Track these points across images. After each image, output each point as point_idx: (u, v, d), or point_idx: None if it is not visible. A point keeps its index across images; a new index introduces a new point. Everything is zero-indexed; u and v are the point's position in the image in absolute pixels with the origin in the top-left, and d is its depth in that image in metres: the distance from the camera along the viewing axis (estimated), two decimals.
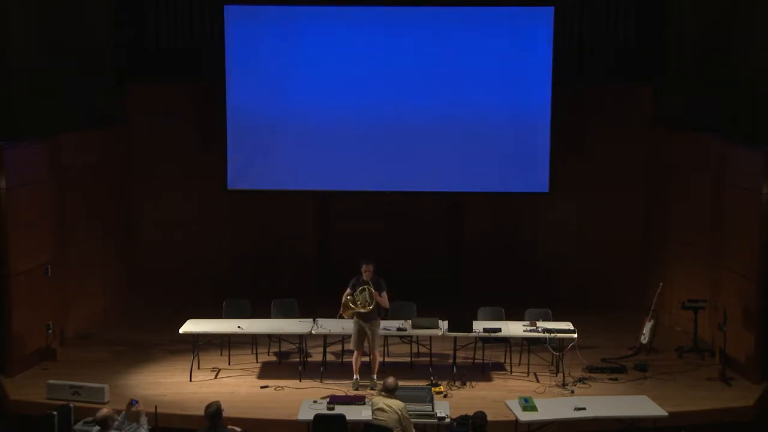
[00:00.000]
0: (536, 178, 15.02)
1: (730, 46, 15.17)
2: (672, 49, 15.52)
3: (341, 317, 12.31)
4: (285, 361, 13.29)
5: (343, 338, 12.69)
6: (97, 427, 9.50)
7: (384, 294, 12.03)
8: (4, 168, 12.47)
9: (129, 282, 15.77)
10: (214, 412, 9.24)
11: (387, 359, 13.08)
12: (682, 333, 14.30)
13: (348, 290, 12.08)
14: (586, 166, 15.78)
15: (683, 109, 15.23)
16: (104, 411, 9.39)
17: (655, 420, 10.62)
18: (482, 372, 12.80)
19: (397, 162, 15.05)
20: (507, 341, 12.97)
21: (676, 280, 14.60)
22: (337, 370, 12.77)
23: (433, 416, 10.32)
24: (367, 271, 12.01)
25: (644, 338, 13.63)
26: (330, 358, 13.06)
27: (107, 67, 15.70)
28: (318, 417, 10.20)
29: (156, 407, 10.71)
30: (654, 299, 13.90)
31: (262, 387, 12.32)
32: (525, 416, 10.38)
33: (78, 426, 10.56)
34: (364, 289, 11.98)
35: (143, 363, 13.20)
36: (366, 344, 12.14)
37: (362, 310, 11.96)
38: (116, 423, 9.43)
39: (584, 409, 10.49)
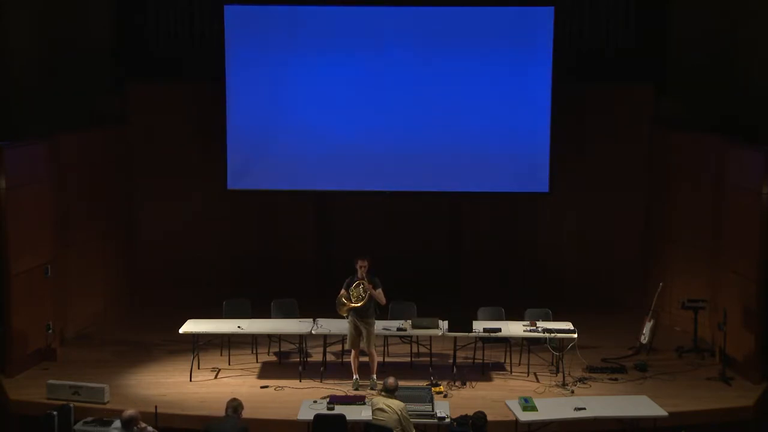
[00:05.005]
0: (536, 178, 15.01)
1: (730, 45, 15.16)
2: (672, 49, 15.52)
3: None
4: (285, 361, 13.29)
5: (343, 338, 12.68)
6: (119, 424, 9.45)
7: (379, 290, 12.02)
8: (4, 168, 12.46)
9: (129, 282, 15.76)
10: (237, 405, 9.60)
11: (387, 359, 13.09)
12: (682, 333, 14.30)
13: (343, 291, 12.08)
14: (586, 166, 15.79)
15: (683, 109, 15.22)
16: (130, 411, 9.32)
17: (655, 420, 10.63)
18: (482, 372, 12.80)
19: (397, 162, 15.05)
20: (507, 341, 12.97)
21: (676, 280, 14.60)
22: (337, 370, 12.77)
23: (433, 416, 10.33)
24: (362, 266, 11.99)
25: (644, 338, 13.63)
26: (330, 358, 13.06)
27: (107, 67, 15.70)
28: (318, 417, 10.21)
29: (156, 407, 10.71)
30: (654, 299, 13.90)
31: (262, 387, 12.33)
32: (525, 416, 10.38)
33: (78, 426, 10.57)
34: (359, 284, 11.98)
35: (143, 363, 13.20)
36: (362, 343, 12.13)
37: (356, 305, 11.94)
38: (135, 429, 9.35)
39: (584, 409, 10.50)
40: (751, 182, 12.62)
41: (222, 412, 9.73)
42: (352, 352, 12.23)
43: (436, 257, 16.29)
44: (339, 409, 10.44)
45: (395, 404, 9.87)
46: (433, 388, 11.37)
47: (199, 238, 16.07)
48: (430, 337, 12.75)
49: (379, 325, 12.46)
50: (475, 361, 13.05)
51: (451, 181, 15.18)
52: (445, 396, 11.85)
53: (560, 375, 12.52)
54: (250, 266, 16.09)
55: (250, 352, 13.43)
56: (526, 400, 10.61)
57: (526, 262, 16.21)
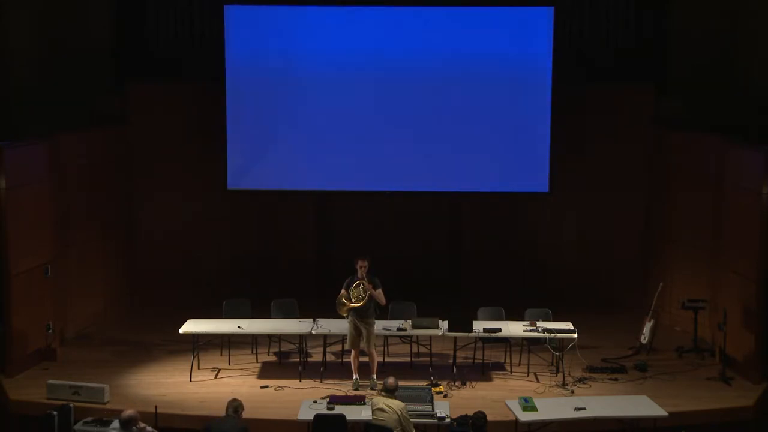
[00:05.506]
0: (536, 178, 15.01)
1: (730, 45, 15.17)
2: (672, 49, 15.52)
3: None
4: (285, 361, 13.29)
5: (343, 338, 12.68)
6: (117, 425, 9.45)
7: (379, 290, 12.02)
8: (4, 168, 12.46)
9: (129, 282, 15.76)
10: (238, 405, 9.62)
11: (387, 359, 13.09)
12: (682, 333, 14.30)
13: (343, 291, 12.08)
14: (586, 166, 15.79)
15: (683, 109, 15.22)
16: (129, 411, 9.32)
17: (655, 420, 10.63)
18: (482, 372, 12.80)
19: (397, 162, 15.06)
20: (507, 341, 12.97)
21: (676, 280, 14.60)
22: (337, 370, 12.77)
23: (433, 416, 10.33)
24: (362, 266, 11.99)
25: (644, 338, 13.63)
26: (330, 358, 13.06)
27: (107, 67, 15.70)
28: (318, 417, 10.21)
29: (156, 407, 10.71)
30: (654, 299, 13.90)
31: (262, 387, 12.33)
32: (525, 416, 10.38)
33: (78, 426, 10.56)
34: (359, 284, 11.97)
35: (143, 363, 13.20)
36: (362, 343, 12.13)
37: (356, 305, 11.94)
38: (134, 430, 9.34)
39: (584, 409, 10.50)
40: (751, 182, 12.62)
41: (222, 412, 9.73)
42: (352, 352, 12.23)
43: (436, 257, 16.29)
44: (339, 409, 10.44)
45: (395, 404, 9.87)
46: (433, 388, 11.36)
47: (199, 238, 16.07)
48: (430, 337, 12.75)
49: (379, 325, 12.46)
50: (475, 361, 13.05)
51: (451, 181, 15.18)
52: (445, 396, 11.85)
53: (560, 375, 12.51)
54: (250, 266, 16.09)
55: (250, 352, 13.43)
56: (526, 400, 10.60)
57: (526, 262, 16.20)
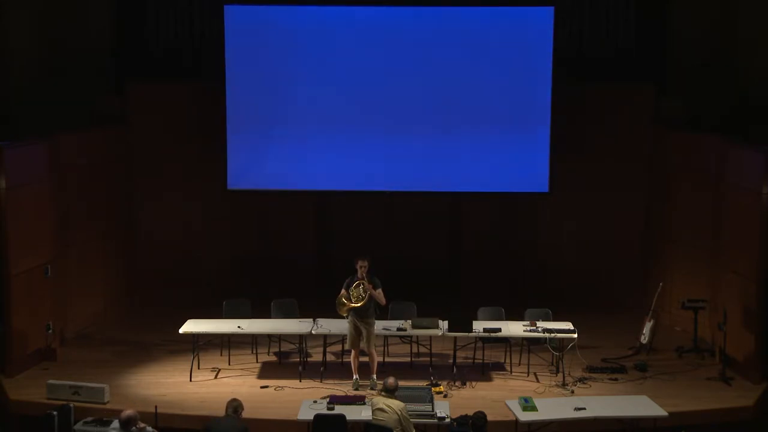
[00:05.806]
0: (536, 178, 15.02)
1: (730, 45, 15.17)
2: (672, 49, 15.53)
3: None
4: (285, 361, 13.29)
5: (343, 338, 12.68)
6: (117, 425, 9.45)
7: (379, 290, 12.02)
8: (4, 168, 12.46)
9: (129, 282, 15.76)
10: (237, 405, 9.62)
11: (387, 359, 13.09)
12: (682, 333, 14.30)
13: (343, 291, 12.08)
14: (586, 166, 15.78)
15: (683, 109, 15.23)
16: (129, 411, 9.33)
17: (655, 420, 10.63)
18: (482, 372, 12.80)
19: (397, 162, 15.05)
20: (507, 341, 12.97)
21: (676, 280, 14.60)
22: (337, 370, 12.77)
23: (433, 416, 10.33)
24: (362, 266, 11.99)
25: (644, 338, 13.63)
26: (330, 358, 13.06)
27: (107, 67, 15.70)
28: (318, 417, 10.21)
29: (156, 407, 10.71)
30: (654, 299, 13.91)
31: (262, 387, 12.33)
32: (525, 416, 10.38)
33: (78, 426, 10.56)
34: (359, 284, 11.97)
35: (143, 363, 13.20)
36: (362, 343, 12.13)
37: (356, 305, 11.94)
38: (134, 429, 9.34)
39: (584, 409, 10.50)
40: (751, 182, 12.62)
41: (222, 412, 9.74)
42: (352, 352, 12.23)
43: (436, 257, 16.28)
44: (339, 409, 10.44)
45: (395, 404, 9.88)
46: (433, 388, 11.37)
47: (199, 238, 16.07)
48: (430, 337, 12.75)
49: (379, 325, 12.46)
50: (475, 361, 13.05)
51: (451, 181, 15.18)
52: (445, 396, 11.85)
53: (560, 375, 12.52)
54: (250, 266, 16.09)
55: (250, 352, 13.43)
56: (526, 400, 10.61)
57: (526, 262, 16.20)
